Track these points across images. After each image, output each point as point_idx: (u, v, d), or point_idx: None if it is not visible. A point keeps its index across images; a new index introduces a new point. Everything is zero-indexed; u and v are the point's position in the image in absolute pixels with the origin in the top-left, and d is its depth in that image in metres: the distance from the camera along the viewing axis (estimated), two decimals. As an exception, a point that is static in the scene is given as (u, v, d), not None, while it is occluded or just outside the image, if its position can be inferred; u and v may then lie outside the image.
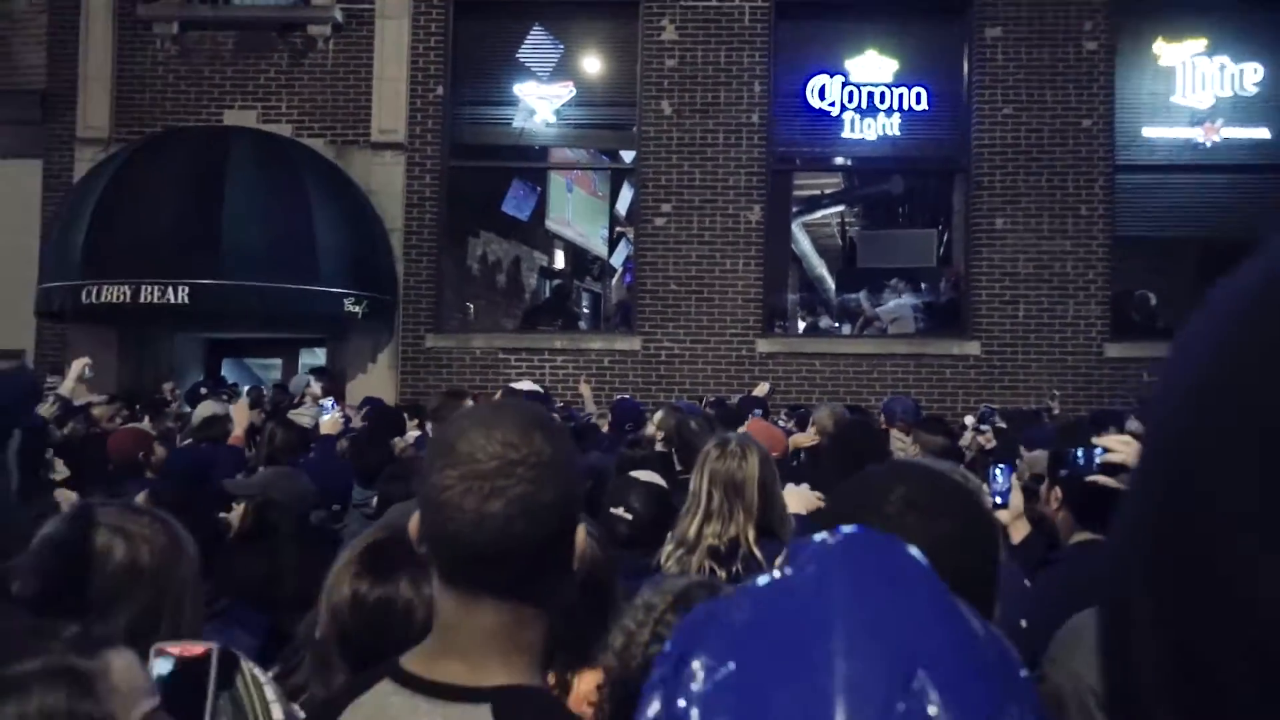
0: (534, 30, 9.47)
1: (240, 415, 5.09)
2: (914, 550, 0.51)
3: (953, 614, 0.47)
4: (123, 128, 9.15)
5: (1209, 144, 9.21)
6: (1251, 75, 9.17)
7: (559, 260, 10.62)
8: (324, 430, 4.98)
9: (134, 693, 0.94)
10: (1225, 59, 9.18)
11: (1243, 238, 7.80)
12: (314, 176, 8.77)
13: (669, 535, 2.73)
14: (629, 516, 2.74)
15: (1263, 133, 9.22)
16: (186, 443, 5.52)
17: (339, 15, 9.18)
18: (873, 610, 0.45)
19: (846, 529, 0.53)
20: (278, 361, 10.12)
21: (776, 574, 0.50)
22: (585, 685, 1.64)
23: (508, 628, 1.05)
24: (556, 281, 10.45)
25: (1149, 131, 9.31)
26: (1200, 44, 9.21)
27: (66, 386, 5.20)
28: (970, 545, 1.03)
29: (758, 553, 2.65)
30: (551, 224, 10.33)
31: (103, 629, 1.04)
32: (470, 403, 5.34)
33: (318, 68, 9.25)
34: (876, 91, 9.25)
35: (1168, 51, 9.28)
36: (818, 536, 0.51)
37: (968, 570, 0.90)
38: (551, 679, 1.54)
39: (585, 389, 7.73)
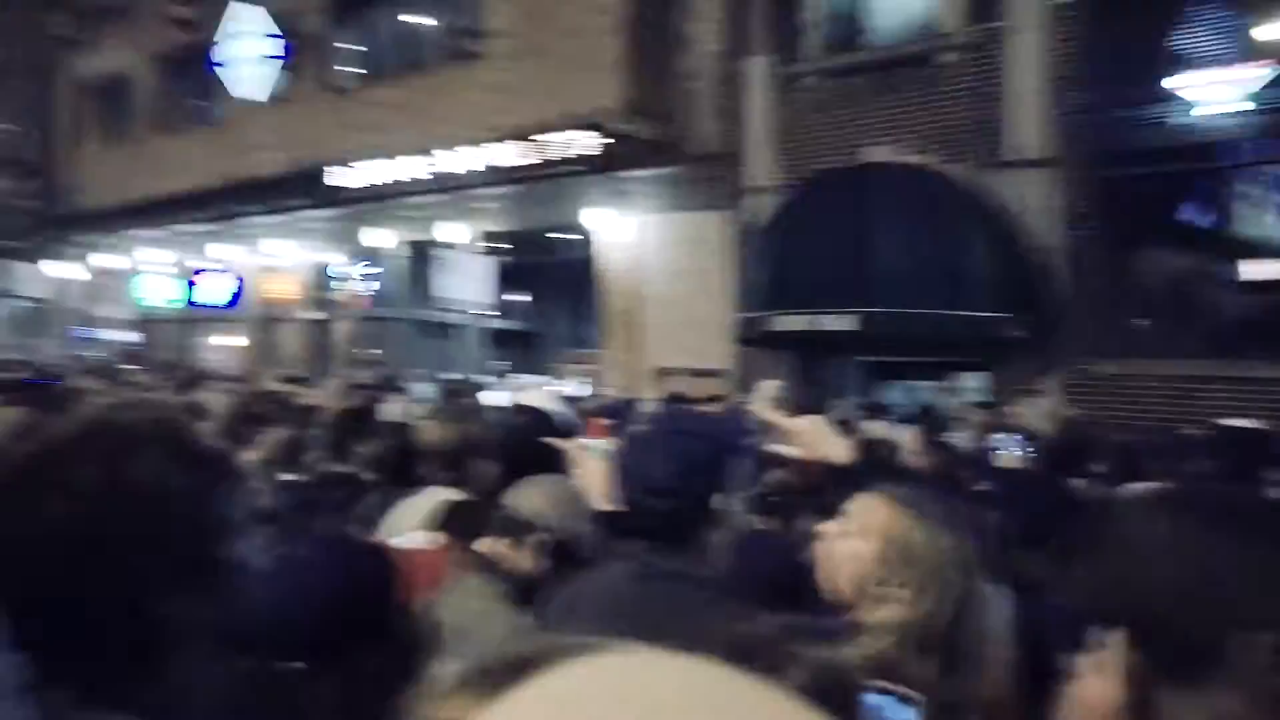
0: (1198, 9, 8.23)
1: (914, 440, 5.28)
2: None
3: None
4: (784, 175, 10.40)
5: None
6: None
7: (1254, 273, 8.97)
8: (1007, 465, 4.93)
9: None
10: None
11: None
12: (954, 201, 8.89)
13: None
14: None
15: None
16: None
17: (967, 38, 9.19)
18: None
19: None
20: (931, 384, 10.43)
21: None
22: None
23: None
24: (1256, 297, 8.80)
25: None
26: None
27: (758, 407, 6.02)
28: None
29: None
30: (1241, 228, 8.81)
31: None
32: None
33: (947, 93, 9.36)
34: None
35: None
36: None
37: None
38: None
39: None
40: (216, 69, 15.37)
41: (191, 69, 16.46)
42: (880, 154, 9.68)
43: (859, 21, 10.39)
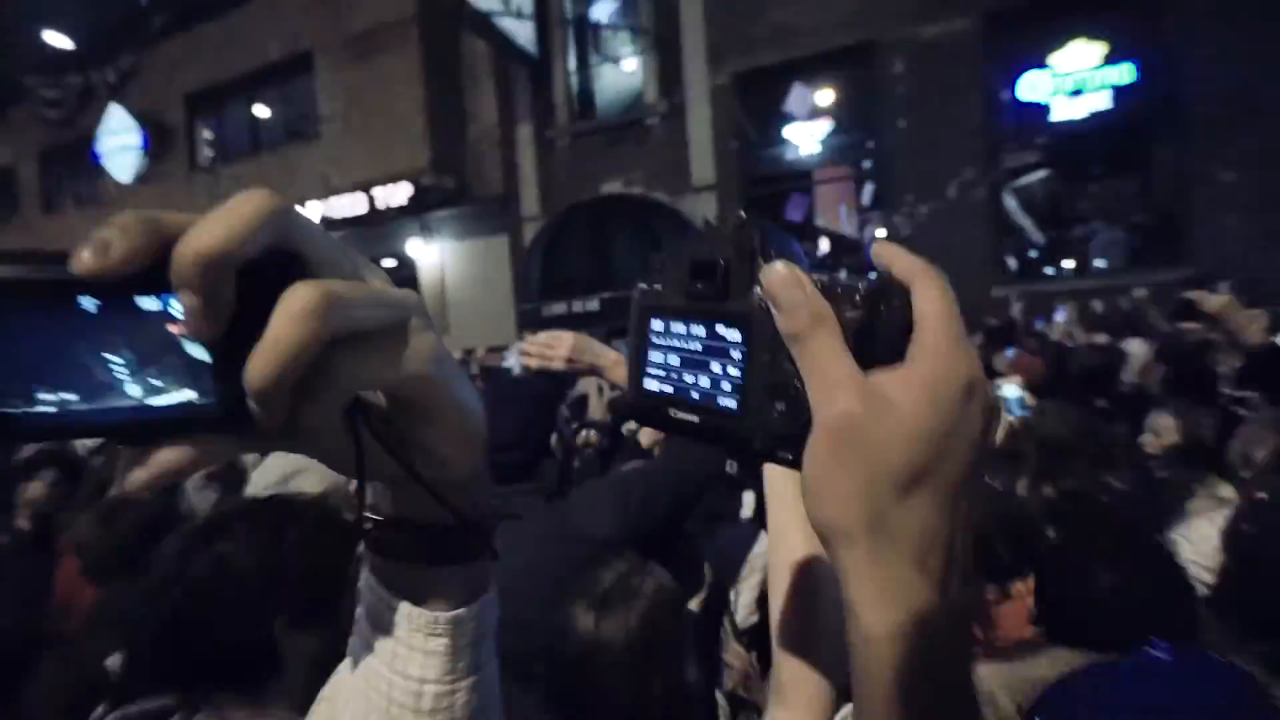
0: (795, 86, 13.15)
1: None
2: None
3: None
4: (547, 206, 14.78)
5: None
6: None
7: (823, 248, 13.93)
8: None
9: None
10: None
11: None
12: (659, 218, 13.44)
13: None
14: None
15: None
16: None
17: (663, 109, 13.84)
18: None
19: None
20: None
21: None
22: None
23: None
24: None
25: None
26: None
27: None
28: None
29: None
30: (821, 221, 13.74)
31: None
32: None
33: (656, 144, 13.97)
34: None
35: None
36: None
37: None
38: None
39: None
40: (96, 157, 18.60)
41: (71, 159, 19.59)
42: (612, 187, 14.18)
43: (592, 98, 14.93)
